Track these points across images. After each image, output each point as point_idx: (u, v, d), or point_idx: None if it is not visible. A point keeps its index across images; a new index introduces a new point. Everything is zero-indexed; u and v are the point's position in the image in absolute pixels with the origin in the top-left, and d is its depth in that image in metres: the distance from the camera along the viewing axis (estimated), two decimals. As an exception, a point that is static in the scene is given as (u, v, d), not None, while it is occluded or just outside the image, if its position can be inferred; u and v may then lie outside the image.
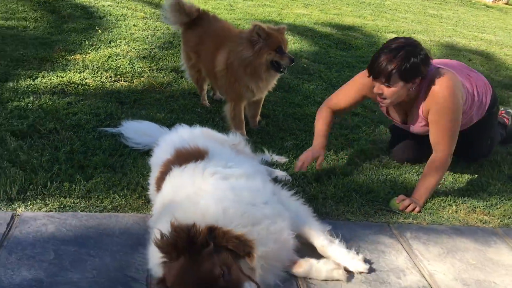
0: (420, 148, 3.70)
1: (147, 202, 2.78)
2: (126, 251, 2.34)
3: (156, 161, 2.76)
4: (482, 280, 2.52)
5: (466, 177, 3.72)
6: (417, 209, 3.12)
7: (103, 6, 7.03)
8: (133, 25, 6.35)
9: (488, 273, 2.59)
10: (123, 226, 2.51)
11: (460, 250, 2.76)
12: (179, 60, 5.34)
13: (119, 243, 2.38)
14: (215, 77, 4.04)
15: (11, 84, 4.16)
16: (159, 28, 6.37)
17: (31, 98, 3.95)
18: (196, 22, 4.17)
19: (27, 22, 5.91)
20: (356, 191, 3.23)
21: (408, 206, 3.11)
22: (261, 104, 4.25)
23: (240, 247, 1.91)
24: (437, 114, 3.21)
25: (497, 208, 3.27)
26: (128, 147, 3.42)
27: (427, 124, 3.34)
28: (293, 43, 6.82)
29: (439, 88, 3.20)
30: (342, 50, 6.92)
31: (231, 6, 8.78)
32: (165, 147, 2.82)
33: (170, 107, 4.26)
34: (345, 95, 3.66)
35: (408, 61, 3.07)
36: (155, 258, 1.94)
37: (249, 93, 3.91)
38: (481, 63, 7.36)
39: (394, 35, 8.32)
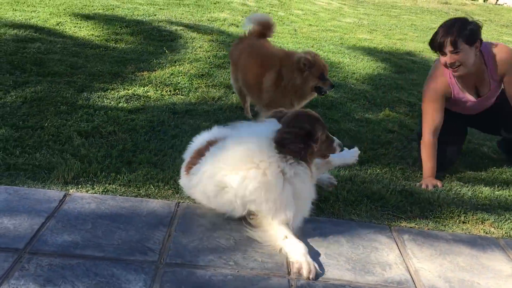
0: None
1: (176, 192, 3.26)
2: (149, 228, 2.82)
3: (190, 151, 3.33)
4: (466, 280, 2.71)
5: (487, 192, 3.85)
6: (439, 183, 3.82)
7: (176, 30, 7.80)
8: (199, 47, 7.03)
9: (475, 274, 2.77)
10: (151, 209, 3.00)
11: (453, 253, 2.95)
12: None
13: (144, 222, 2.87)
14: (256, 90, 4.55)
15: (85, 94, 4.88)
16: (222, 50, 6.98)
17: (99, 105, 4.63)
18: (241, 40, 4.77)
19: (108, 43, 6.76)
20: (368, 197, 3.50)
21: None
22: None
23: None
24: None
25: (506, 222, 3.39)
26: (172, 148, 3.95)
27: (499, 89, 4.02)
28: (347, 66, 7.14)
29: (504, 53, 3.88)
30: (396, 73, 7.14)
31: (295, 30, 9.28)
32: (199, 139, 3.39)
33: (216, 118, 4.77)
34: (433, 114, 4.02)
35: (465, 28, 3.68)
36: None
37: (290, 107, 4.40)
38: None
39: (455, 60, 8.38)
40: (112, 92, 5.05)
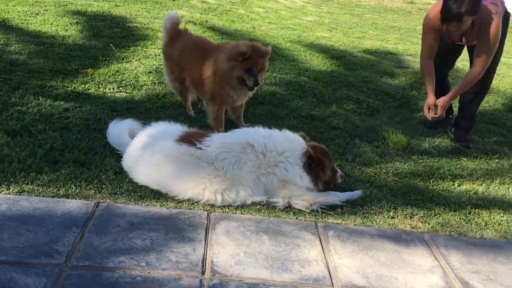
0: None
1: (99, 191, 3.16)
2: (61, 229, 2.71)
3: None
4: (384, 275, 2.69)
5: (420, 187, 3.85)
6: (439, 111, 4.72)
7: (129, 27, 7.65)
8: (150, 44, 6.90)
9: (394, 270, 2.75)
10: (67, 209, 2.89)
11: (375, 249, 2.93)
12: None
13: (57, 223, 2.76)
14: (202, 84, 4.46)
15: (20, 91, 4.72)
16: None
17: (33, 103, 4.48)
18: (174, 38, 4.64)
19: (55, 40, 6.58)
20: (299, 194, 3.46)
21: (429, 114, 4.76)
22: (243, 108, 4.74)
23: None
24: (485, 35, 4.43)
25: (435, 217, 3.40)
26: (104, 147, 3.84)
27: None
28: (301, 63, 7.12)
29: (493, 28, 4.37)
30: (348, 70, 7.14)
31: (253, 28, 9.22)
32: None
33: (158, 116, 4.67)
34: (429, 43, 4.80)
35: (475, 3, 4.21)
36: None
37: (230, 99, 4.35)
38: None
39: (410, 57, 8.45)
40: (50, 89, 4.90)
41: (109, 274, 2.40)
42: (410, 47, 9.41)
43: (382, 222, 3.24)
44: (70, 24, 7.37)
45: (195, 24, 8.67)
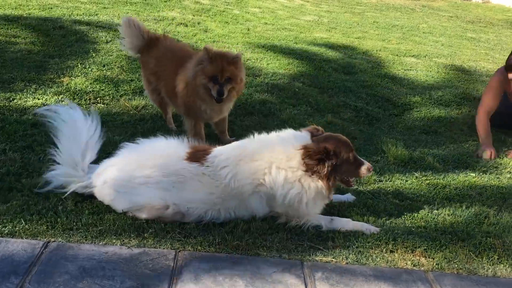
0: None
1: (52, 227, 2.75)
2: (-3, 278, 2.30)
3: None
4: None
5: (423, 212, 3.42)
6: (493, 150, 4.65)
7: (116, 30, 7.22)
8: (136, 49, 6.48)
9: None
10: (8, 252, 2.48)
11: (370, 295, 2.51)
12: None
13: (-6, 269, 2.35)
14: (176, 96, 4.03)
15: (-16, 105, 4.32)
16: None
17: (-4, 119, 4.08)
18: (151, 45, 4.20)
19: (34, 46, 6.17)
20: (286, 223, 3.04)
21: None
22: (226, 121, 4.30)
23: None
24: None
25: (440, 250, 2.96)
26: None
27: None
28: (296, 67, 6.69)
29: None
30: (346, 74, 6.70)
31: (248, 30, 8.79)
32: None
33: (134, 130, 4.26)
34: (493, 98, 5.04)
35: None
36: None
37: (204, 113, 3.91)
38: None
39: (413, 59, 8.00)
40: (19, 102, 4.49)
41: None
42: (413, 47, 8.96)
43: (379, 259, 2.81)
44: (53, 28, 6.96)
45: (186, 26, 8.26)
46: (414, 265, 2.79)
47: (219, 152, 3.08)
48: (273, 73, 6.26)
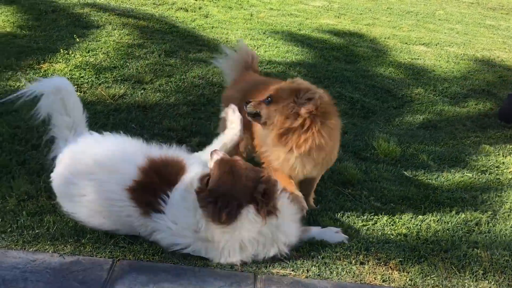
0: None
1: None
2: None
3: None
4: None
5: (406, 218, 3.09)
6: None
7: (109, 15, 6.96)
8: (127, 35, 6.21)
9: None
10: None
11: (326, 317, 2.20)
12: (150, 71, 5.11)
13: None
14: None
15: (-49, 93, 4.12)
16: (152, 38, 6.18)
17: (-40, 108, 3.86)
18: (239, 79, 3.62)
19: (22, 30, 5.95)
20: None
21: None
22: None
23: None
24: None
25: (418, 262, 2.63)
26: (22, 165, 3.19)
27: None
28: (295, 55, 6.34)
29: None
30: (348, 62, 6.33)
31: (251, 15, 8.43)
32: None
33: (105, 122, 4.00)
34: None
35: None
36: None
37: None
38: (514, 80, 6.43)
39: (423, 47, 7.56)
40: (-11, 89, 4.28)
41: None
42: (425, 34, 8.49)
43: (344, 272, 2.50)
44: (45, 12, 6.73)
45: (187, 11, 7.96)
46: (383, 281, 2.47)
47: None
48: (269, 61, 5.94)
